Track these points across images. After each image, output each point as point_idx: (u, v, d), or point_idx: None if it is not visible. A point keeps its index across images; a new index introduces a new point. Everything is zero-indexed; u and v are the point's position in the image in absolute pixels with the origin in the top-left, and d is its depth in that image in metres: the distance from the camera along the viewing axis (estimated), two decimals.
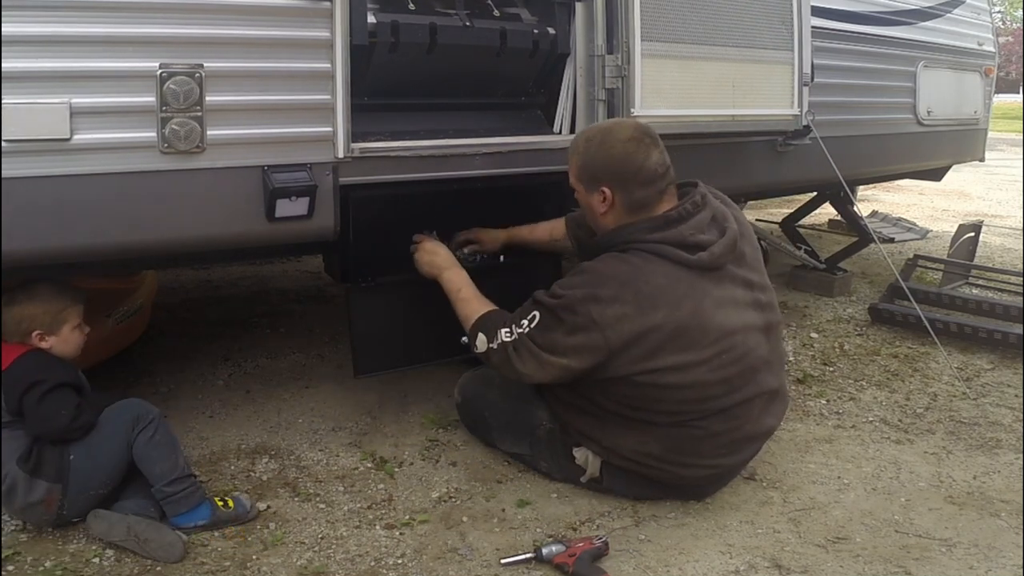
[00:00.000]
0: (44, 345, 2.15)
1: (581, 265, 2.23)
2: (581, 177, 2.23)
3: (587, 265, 2.20)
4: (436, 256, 2.50)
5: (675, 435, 2.16)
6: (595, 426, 2.23)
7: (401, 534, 2.14)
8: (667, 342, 2.06)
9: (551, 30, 2.72)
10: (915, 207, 7.75)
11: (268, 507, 2.23)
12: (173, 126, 1.98)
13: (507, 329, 2.19)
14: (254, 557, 2.01)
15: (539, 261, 2.83)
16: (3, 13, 1.77)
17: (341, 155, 2.23)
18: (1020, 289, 4.38)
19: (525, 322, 2.16)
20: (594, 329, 2.06)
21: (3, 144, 1.82)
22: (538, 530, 2.18)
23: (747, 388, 2.19)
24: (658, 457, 2.18)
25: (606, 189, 2.17)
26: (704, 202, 2.20)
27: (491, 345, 2.22)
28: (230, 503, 2.16)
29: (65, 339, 2.19)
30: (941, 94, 4.19)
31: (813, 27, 3.01)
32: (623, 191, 2.16)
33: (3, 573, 1.92)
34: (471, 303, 2.35)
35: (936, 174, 4.83)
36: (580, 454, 2.30)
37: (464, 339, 2.65)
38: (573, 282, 2.15)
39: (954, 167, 4.89)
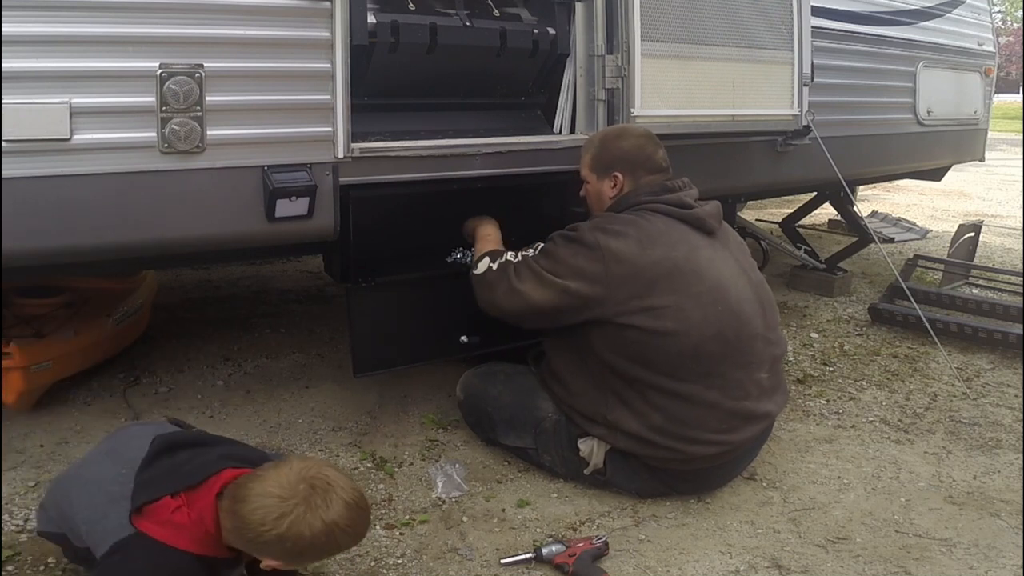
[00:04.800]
0: (266, 567, 1.56)
1: None
2: (595, 167, 2.42)
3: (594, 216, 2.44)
4: (480, 217, 2.64)
5: (676, 405, 2.19)
6: (599, 402, 2.25)
7: (401, 534, 2.14)
8: (662, 280, 2.18)
9: (551, 30, 2.72)
10: (915, 207, 7.75)
11: None
12: (173, 126, 1.98)
13: (513, 254, 2.36)
14: None
15: None
16: (3, 13, 1.77)
17: (341, 155, 2.23)
18: (1020, 289, 4.38)
19: (531, 250, 2.34)
20: (597, 254, 2.19)
21: (3, 144, 1.82)
22: (538, 530, 2.18)
23: (744, 355, 2.24)
24: (661, 429, 2.19)
25: (618, 174, 2.37)
26: (690, 185, 2.41)
27: (491, 265, 2.34)
28: None
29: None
30: (941, 94, 4.19)
31: (813, 27, 3.01)
32: (632, 176, 2.36)
33: (3, 573, 1.92)
34: (493, 244, 2.49)
35: (936, 174, 4.83)
36: (585, 445, 2.31)
37: (464, 338, 2.66)
38: (583, 223, 2.33)
39: (954, 167, 4.89)
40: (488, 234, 2.54)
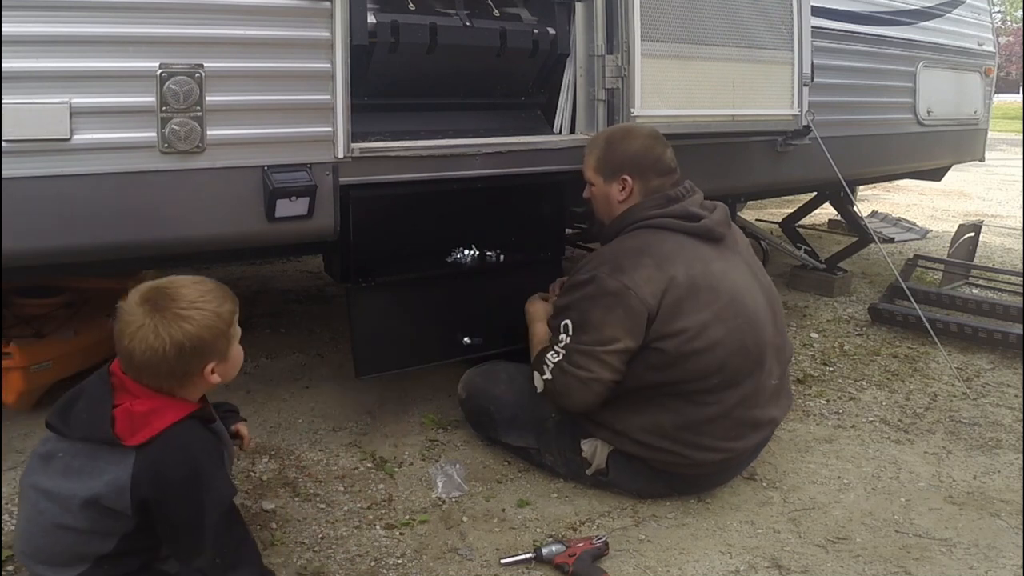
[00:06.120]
0: (213, 380, 1.63)
1: (591, 254, 2.34)
2: (601, 169, 2.35)
3: (599, 251, 2.33)
4: (534, 307, 2.53)
5: (689, 416, 2.17)
6: (609, 409, 2.22)
7: (401, 534, 2.14)
8: (686, 298, 2.13)
9: (551, 30, 2.72)
10: (915, 207, 7.75)
11: (267, 507, 2.23)
12: (173, 126, 1.98)
13: (551, 352, 2.22)
14: None
15: (539, 260, 2.82)
16: (3, 13, 1.77)
17: (341, 155, 2.23)
18: (1020, 289, 4.38)
19: (563, 336, 2.19)
20: (630, 296, 2.10)
21: (3, 144, 1.82)
22: (538, 530, 2.18)
23: (759, 363, 2.22)
24: (670, 436, 2.18)
25: (627, 178, 2.30)
26: (695, 189, 2.35)
27: (546, 377, 2.21)
28: None
29: (234, 363, 1.68)
30: (941, 94, 4.19)
31: (813, 27, 3.01)
32: (642, 180, 2.30)
33: (3, 573, 1.92)
34: (539, 343, 2.35)
35: (936, 174, 4.83)
36: (588, 446, 2.31)
37: (467, 339, 2.66)
38: (590, 267, 2.22)
39: (954, 167, 4.89)
40: (537, 331, 2.40)
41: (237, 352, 1.68)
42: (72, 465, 1.56)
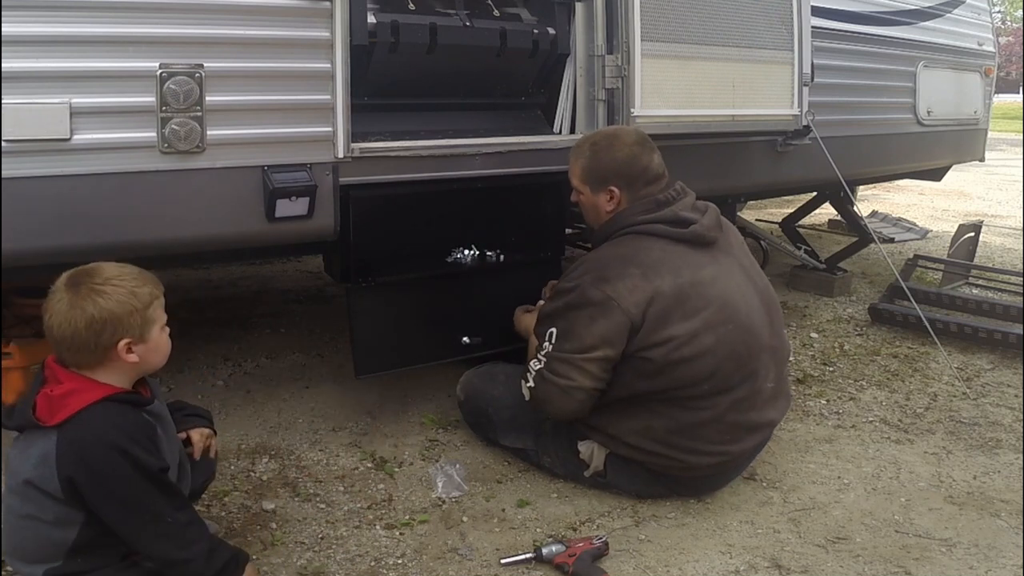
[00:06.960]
0: (131, 360, 1.62)
1: (579, 259, 2.31)
2: (587, 179, 2.31)
3: (586, 257, 2.30)
4: (527, 320, 2.54)
5: (681, 421, 2.16)
6: (601, 415, 2.22)
7: (401, 534, 2.14)
8: (673, 308, 2.10)
9: (551, 30, 2.72)
10: (915, 207, 7.75)
11: (267, 507, 2.23)
12: (173, 126, 1.98)
13: (534, 360, 2.22)
14: (254, 557, 2.01)
15: (539, 260, 2.83)
16: (3, 13, 1.78)
17: (341, 155, 2.23)
18: (1020, 289, 4.38)
19: (547, 343, 2.18)
20: (612, 306, 2.08)
21: (3, 144, 1.82)
22: (538, 530, 2.18)
23: (753, 368, 2.21)
24: (663, 441, 2.18)
25: (614, 188, 2.26)
26: (685, 190, 2.31)
27: (529, 385, 2.21)
28: None
29: (155, 347, 1.68)
30: (941, 94, 4.19)
31: (813, 27, 3.02)
32: (629, 190, 2.26)
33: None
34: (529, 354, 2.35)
35: (936, 174, 4.83)
36: (585, 448, 2.31)
37: (466, 339, 2.66)
38: (575, 274, 2.20)
39: (954, 167, 4.89)
40: (532, 342, 2.35)
41: (160, 338, 1.70)
42: (11, 454, 1.64)
